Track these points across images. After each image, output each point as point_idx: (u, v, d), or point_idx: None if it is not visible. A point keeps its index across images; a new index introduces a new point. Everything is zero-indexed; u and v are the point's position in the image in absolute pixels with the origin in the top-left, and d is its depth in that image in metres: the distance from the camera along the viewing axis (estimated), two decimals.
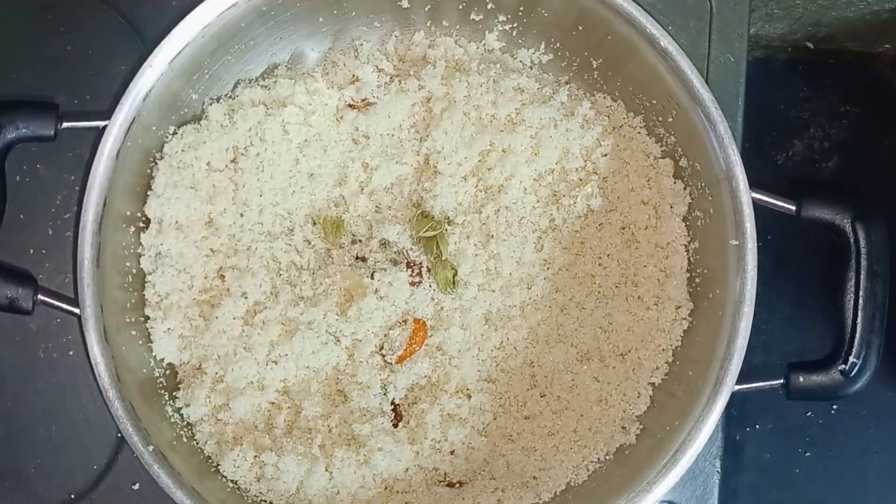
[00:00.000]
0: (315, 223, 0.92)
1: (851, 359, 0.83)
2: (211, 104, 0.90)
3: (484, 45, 0.94)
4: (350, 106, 0.92)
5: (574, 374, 0.91)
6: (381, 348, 0.90)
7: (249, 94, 0.91)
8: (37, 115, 0.82)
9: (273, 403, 0.89)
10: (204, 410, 0.88)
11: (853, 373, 0.83)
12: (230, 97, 0.92)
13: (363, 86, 0.92)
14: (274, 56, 0.93)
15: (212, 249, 0.90)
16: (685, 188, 0.90)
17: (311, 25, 0.92)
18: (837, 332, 0.84)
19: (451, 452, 0.90)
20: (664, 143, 0.91)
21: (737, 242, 0.84)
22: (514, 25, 0.93)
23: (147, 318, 0.89)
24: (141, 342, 0.89)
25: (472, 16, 0.93)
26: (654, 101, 0.90)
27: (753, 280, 0.83)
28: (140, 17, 0.91)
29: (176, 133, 0.89)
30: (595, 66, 0.93)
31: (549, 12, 0.90)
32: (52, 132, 0.82)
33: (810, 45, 1.17)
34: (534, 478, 0.90)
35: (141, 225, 0.89)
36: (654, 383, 0.90)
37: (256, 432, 0.89)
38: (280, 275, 0.91)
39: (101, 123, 0.83)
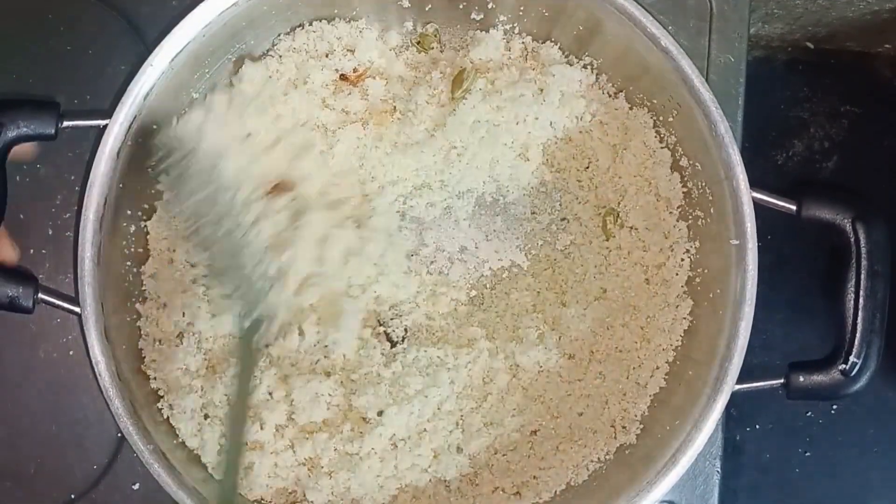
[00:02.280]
0: None
1: (852, 358, 0.82)
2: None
3: (485, 45, 0.94)
4: (342, 77, 0.92)
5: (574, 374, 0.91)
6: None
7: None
8: (38, 113, 0.81)
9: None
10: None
11: (853, 373, 0.83)
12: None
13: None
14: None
15: None
16: (685, 188, 0.90)
17: None
18: (838, 332, 0.84)
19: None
20: (665, 143, 0.91)
21: (737, 242, 0.84)
22: (515, 25, 0.93)
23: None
24: None
25: (473, 15, 0.92)
26: (655, 101, 0.90)
27: (754, 280, 0.83)
28: (140, 17, 0.91)
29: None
30: (596, 65, 0.93)
31: (549, 12, 0.90)
32: (53, 131, 0.82)
33: (810, 45, 1.17)
34: (534, 477, 0.90)
35: (142, 224, 0.89)
36: (654, 383, 0.91)
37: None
38: None
39: (102, 122, 0.83)
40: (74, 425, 0.90)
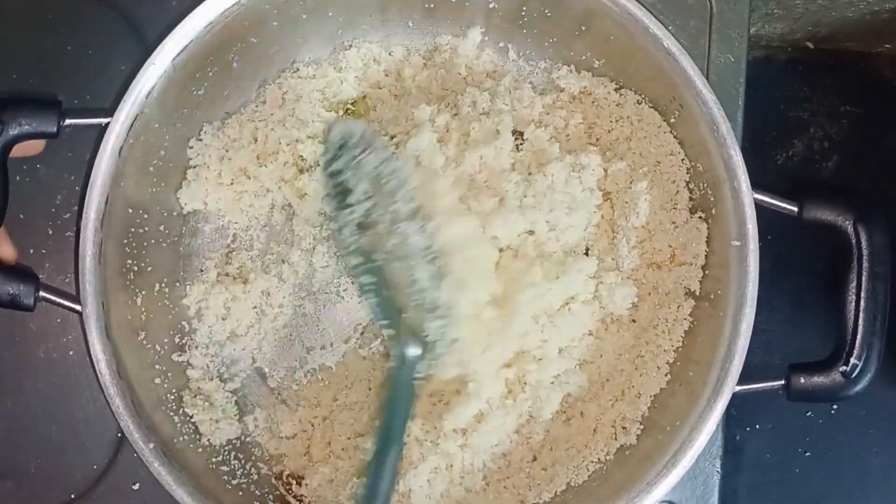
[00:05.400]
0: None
1: (853, 360, 0.82)
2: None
3: (479, 42, 0.94)
4: None
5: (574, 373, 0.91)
6: None
7: None
8: (40, 111, 0.81)
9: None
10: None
11: (854, 374, 0.83)
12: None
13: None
14: (276, 55, 0.93)
15: None
16: (687, 189, 0.90)
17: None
18: (838, 334, 0.84)
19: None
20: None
21: (738, 243, 0.84)
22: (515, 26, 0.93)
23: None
24: None
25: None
26: (657, 102, 0.90)
27: (755, 281, 0.83)
28: (141, 17, 0.91)
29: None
30: (598, 65, 0.93)
31: (551, 13, 0.90)
32: (55, 129, 0.82)
33: (810, 45, 1.17)
34: (534, 478, 0.90)
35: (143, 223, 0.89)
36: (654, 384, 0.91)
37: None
38: None
39: (103, 121, 0.83)
40: (74, 425, 0.89)
